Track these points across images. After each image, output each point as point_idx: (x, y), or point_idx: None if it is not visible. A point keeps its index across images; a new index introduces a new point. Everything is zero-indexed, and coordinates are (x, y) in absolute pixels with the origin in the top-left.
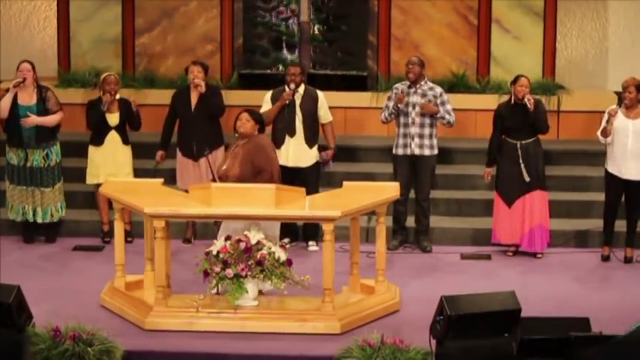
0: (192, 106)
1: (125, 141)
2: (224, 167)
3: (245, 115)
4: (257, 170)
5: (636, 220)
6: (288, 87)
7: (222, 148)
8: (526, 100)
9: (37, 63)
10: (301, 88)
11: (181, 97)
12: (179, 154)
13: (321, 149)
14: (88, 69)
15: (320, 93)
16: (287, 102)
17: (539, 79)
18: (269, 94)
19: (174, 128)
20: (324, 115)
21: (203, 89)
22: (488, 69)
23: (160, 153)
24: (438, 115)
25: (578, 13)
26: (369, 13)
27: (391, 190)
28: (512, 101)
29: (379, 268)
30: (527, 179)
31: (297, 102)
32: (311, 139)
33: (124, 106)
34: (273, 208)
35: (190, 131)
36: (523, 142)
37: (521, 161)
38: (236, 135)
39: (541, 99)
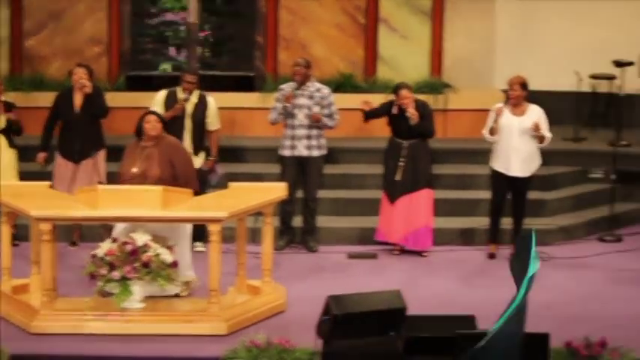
0: (76, 108)
1: (10, 144)
2: (135, 169)
3: (154, 117)
4: (177, 170)
5: (522, 218)
6: (182, 95)
7: (104, 151)
8: (409, 114)
9: None
10: (195, 96)
11: (64, 98)
12: (58, 156)
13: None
14: None
15: (211, 100)
16: (179, 113)
17: (426, 78)
18: (160, 94)
19: (54, 130)
20: (212, 122)
21: (90, 90)
22: (376, 68)
23: (41, 155)
24: (320, 124)
25: (466, 12)
26: (256, 14)
27: (278, 190)
28: (396, 111)
29: (265, 269)
30: (398, 178)
31: (189, 111)
32: (198, 147)
33: (9, 108)
34: (160, 210)
35: (73, 133)
36: (410, 142)
37: (401, 160)
38: (142, 137)
39: (427, 101)
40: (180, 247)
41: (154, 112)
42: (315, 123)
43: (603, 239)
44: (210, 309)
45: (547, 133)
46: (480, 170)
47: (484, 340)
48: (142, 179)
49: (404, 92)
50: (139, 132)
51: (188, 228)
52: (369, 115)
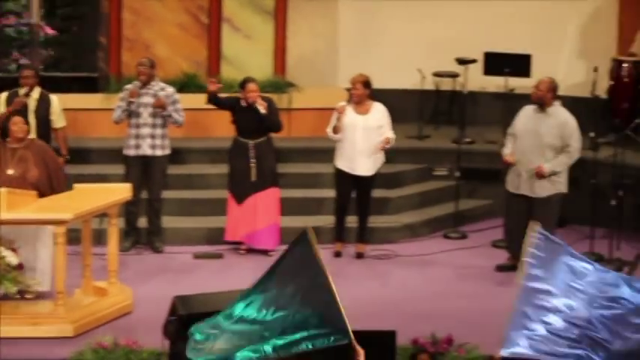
0: None
1: None
2: (11, 171)
3: (20, 119)
4: (50, 171)
5: (367, 216)
6: (23, 91)
7: None
8: (257, 105)
9: None
10: (36, 92)
11: None
12: None
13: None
14: None
15: (54, 97)
16: (19, 107)
17: (269, 77)
18: (2, 95)
19: None
20: (57, 120)
21: None
22: (219, 68)
23: None
24: (165, 114)
25: (308, 11)
26: (99, 15)
27: (122, 191)
28: (246, 103)
29: (111, 270)
30: (254, 179)
31: (32, 107)
32: None
33: None
34: (4, 212)
35: None
36: (255, 141)
37: (252, 160)
38: (6, 139)
39: (272, 98)
40: (34, 249)
41: (17, 113)
42: (160, 109)
43: (448, 236)
44: (56, 311)
45: (390, 133)
46: (324, 169)
47: None
48: (20, 181)
49: (251, 86)
50: (4, 134)
51: (48, 230)
52: (214, 98)
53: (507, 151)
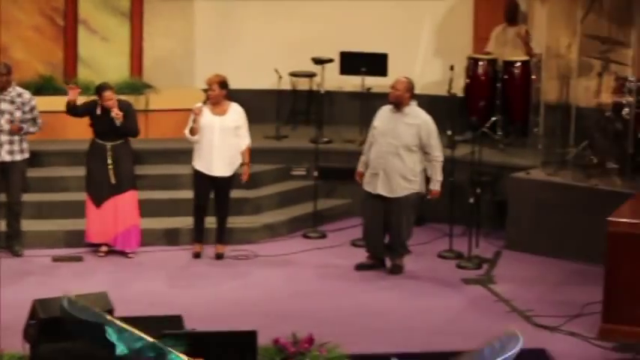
0: None
1: None
2: None
3: None
4: None
5: (225, 217)
6: None
7: None
8: (113, 114)
9: None
10: None
11: None
12: None
13: None
14: None
15: None
16: None
17: (126, 78)
18: None
19: None
20: None
21: None
22: (76, 70)
23: None
24: (22, 133)
25: (165, 12)
26: None
27: None
28: (100, 111)
29: None
30: (113, 181)
31: None
32: None
33: None
34: None
35: None
36: (113, 143)
37: (110, 163)
38: None
39: (130, 102)
40: None
41: None
42: (17, 133)
43: (307, 236)
44: None
45: (247, 136)
46: (182, 170)
47: None
48: None
49: (107, 94)
50: None
51: None
52: (73, 109)
53: (360, 167)
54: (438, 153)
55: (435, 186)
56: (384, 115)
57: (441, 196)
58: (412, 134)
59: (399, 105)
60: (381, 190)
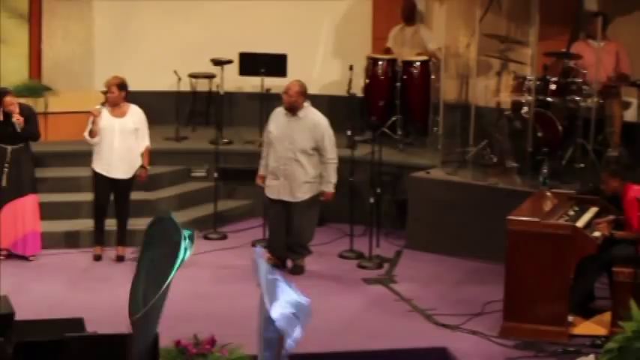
0: None
1: None
2: None
3: None
4: None
5: (126, 219)
6: None
7: None
8: (15, 119)
9: None
10: None
11: None
12: None
13: None
14: None
15: None
16: None
17: (25, 81)
18: None
19: None
20: None
21: None
22: None
23: None
24: None
25: (64, 13)
26: None
27: None
28: (2, 117)
29: None
30: (5, 184)
31: None
32: None
33: None
34: None
35: None
36: (13, 147)
37: (6, 166)
38: None
39: (31, 106)
40: None
41: None
42: None
43: (208, 237)
44: None
45: (146, 140)
46: (82, 172)
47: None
48: None
49: (8, 99)
50: None
51: None
52: None
53: (261, 171)
54: (331, 155)
55: (329, 188)
56: (278, 119)
57: (335, 197)
58: (307, 138)
59: (293, 110)
60: (282, 195)
